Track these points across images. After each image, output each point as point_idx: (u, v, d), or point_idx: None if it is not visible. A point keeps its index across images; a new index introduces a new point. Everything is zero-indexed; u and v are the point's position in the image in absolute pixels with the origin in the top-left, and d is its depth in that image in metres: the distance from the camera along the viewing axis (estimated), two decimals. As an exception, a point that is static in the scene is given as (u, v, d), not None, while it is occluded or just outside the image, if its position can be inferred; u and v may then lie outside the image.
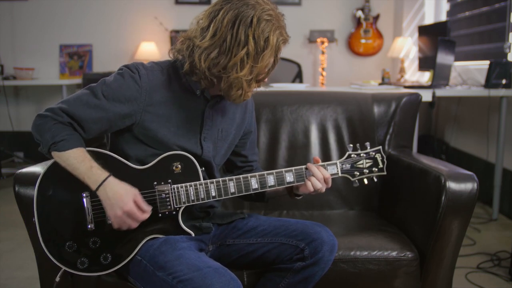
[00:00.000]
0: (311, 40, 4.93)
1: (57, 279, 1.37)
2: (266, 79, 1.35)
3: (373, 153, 1.48)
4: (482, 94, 3.19)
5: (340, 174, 1.45)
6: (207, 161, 1.43)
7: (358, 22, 4.92)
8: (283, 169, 1.40)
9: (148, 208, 1.29)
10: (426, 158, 1.86)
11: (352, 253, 1.55)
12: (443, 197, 1.53)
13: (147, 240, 1.34)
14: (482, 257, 2.58)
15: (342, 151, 2.02)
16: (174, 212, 1.34)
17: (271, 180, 1.39)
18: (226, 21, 1.24)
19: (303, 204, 2.00)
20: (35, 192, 1.32)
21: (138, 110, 1.34)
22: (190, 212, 1.43)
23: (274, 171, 1.40)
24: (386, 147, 2.03)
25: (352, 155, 1.47)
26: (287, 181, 1.40)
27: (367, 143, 1.49)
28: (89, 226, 1.31)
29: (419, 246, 1.61)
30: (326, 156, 2.03)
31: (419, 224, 1.66)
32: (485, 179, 3.32)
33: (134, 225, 1.29)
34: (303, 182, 1.41)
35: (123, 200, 1.25)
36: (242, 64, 1.25)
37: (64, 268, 1.32)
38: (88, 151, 1.32)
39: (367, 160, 1.47)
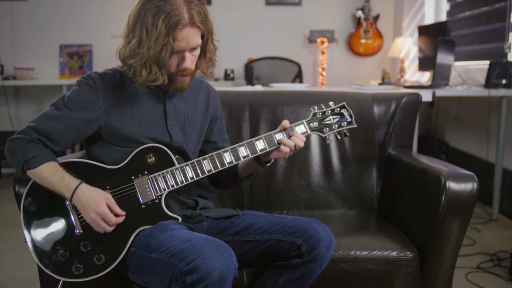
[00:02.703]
0: (311, 40, 4.93)
1: None
2: (185, 64, 1.36)
3: (338, 109, 1.49)
4: (482, 94, 3.19)
5: (309, 132, 1.46)
6: (179, 147, 1.47)
7: (358, 22, 4.92)
8: (253, 138, 1.43)
9: (121, 212, 1.34)
10: (426, 158, 1.86)
11: (352, 253, 1.55)
12: (443, 197, 1.53)
13: (137, 232, 1.36)
14: (482, 257, 2.58)
15: (342, 150, 2.03)
16: (157, 201, 1.38)
17: (243, 151, 1.42)
18: (131, 19, 1.34)
19: (303, 204, 2.00)
20: (21, 214, 1.36)
21: (100, 113, 1.41)
22: (178, 202, 1.47)
23: (244, 141, 1.43)
24: (386, 147, 2.03)
25: (318, 113, 1.48)
26: (259, 148, 1.43)
27: (331, 102, 1.50)
28: (77, 231, 1.34)
29: (419, 246, 1.61)
30: (326, 156, 2.03)
31: (419, 224, 1.66)
32: (485, 179, 3.32)
33: (109, 228, 1.32)
34: (275, 147, 1.43)
35: (94, 203, 1.30)
36: (135, 52, 1.33)
37: (61, 279, 1.33)
38: (63, 163, 1.37)
39: (334, 116, 1.48)
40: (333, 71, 4.97)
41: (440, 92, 3.19)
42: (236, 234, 1.47)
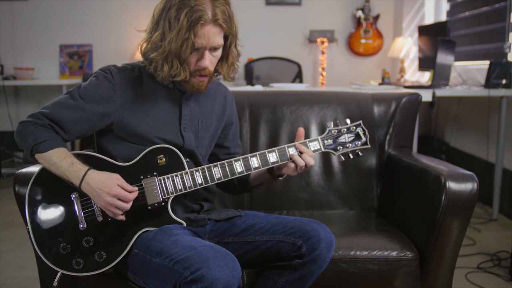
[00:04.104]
0: (311, 40, 4.93)
1: (55, 283, 1.38)
2: (203, 63, 1.34)
3: (354, 128, 1.47)
4: (482, 94, 3.19)
5: (323, 150, 1.44)
6: (191, 150, 1.46)
7: (358, 22, 4.93)
8: (266, 150, 1.41)
9: (134, 189, 1.32)
10: (426, 158, 1.86)
11: (352, 253, 1.55)
12: (443, 197, 1.53)
13: (141, 233, 1.36)
14: (482, 257, 2.58)
15: (342, 151, 2.02)
16: (164, 204, 1.36)
17: (254, 162, 1.40)
18: (156, 13, 1.34)
19: (303, 204, 2.00)
20: (25, 202, 1.35)
21: (115, 108, 1.39)
22: (183, 205, 1.46)
23: (257, 153, 1.41)
24: (386, 147, 2.03)
25: (333, 131, 1.46)
26: (271, 161, 1.41)
27: (347, 119, 1.48)
28: (80, 225, 1.33)
29: (419, 246, 1.61)
30: (326, 156, 2.03)
31: (419, 224, 1.66)
32: (485, 179, 3.32)
33: (127, 206, 1.30)
34: (287, 161, 1.41)
35: (106, 186, 1.28)
36: (157, 45, 1.32)
37: (60, 271, 1.33)
38: (73, 153, 1.36)
39: (349, 135, 1.47)
40: (333, 71, 4.97)
41: (440, 92, 3.19)
42: (236, 235, 1.47)
